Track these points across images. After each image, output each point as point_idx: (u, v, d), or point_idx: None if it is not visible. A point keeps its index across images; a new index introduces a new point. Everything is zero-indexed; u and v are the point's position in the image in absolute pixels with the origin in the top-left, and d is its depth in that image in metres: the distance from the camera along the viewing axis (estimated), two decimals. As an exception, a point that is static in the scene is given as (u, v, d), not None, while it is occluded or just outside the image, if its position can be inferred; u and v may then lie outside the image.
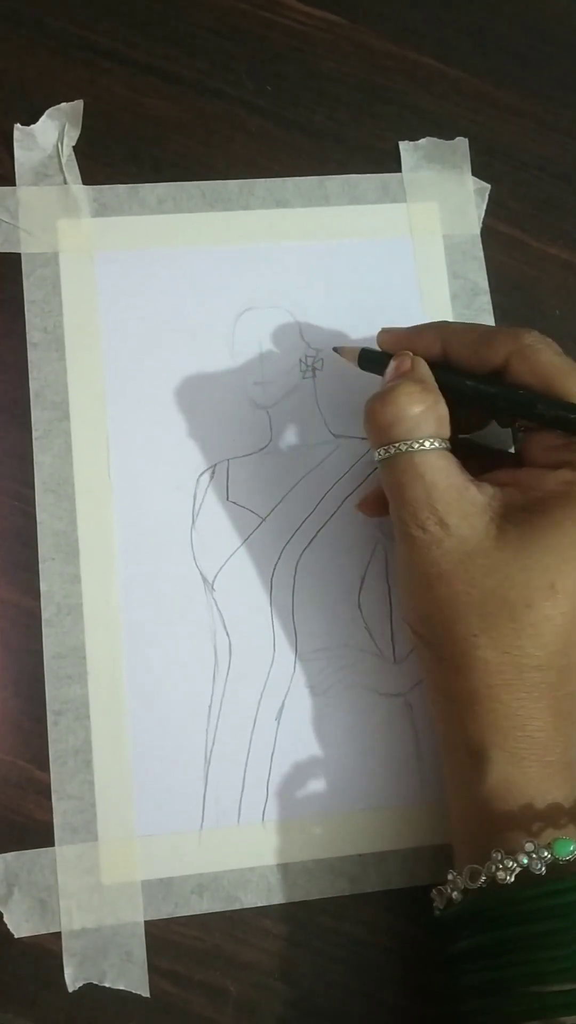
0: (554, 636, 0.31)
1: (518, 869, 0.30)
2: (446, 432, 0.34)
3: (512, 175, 0.45)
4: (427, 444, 0.33)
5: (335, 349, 0.39)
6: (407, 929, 0.36)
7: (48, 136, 0.42)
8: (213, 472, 0.39)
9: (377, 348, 0.37)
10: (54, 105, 0.42)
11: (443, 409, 0.34)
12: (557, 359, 0.34)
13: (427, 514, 0.32)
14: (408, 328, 0.37)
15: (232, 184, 0.42)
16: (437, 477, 0.33)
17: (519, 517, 0.32)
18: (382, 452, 0.33)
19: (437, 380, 0.34)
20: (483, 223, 0.44)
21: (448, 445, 0.33)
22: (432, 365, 0.35)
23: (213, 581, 0.38)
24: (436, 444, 0.33)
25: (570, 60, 0.47)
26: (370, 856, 0.37)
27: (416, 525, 0.32)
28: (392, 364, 0.35)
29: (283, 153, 0.43)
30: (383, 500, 0.36)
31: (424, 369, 0.35)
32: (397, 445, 0.33)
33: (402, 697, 0.38)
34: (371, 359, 0.37)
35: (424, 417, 0.33)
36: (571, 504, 0.32)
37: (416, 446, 0.33)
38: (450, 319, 0.42)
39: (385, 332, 0.37)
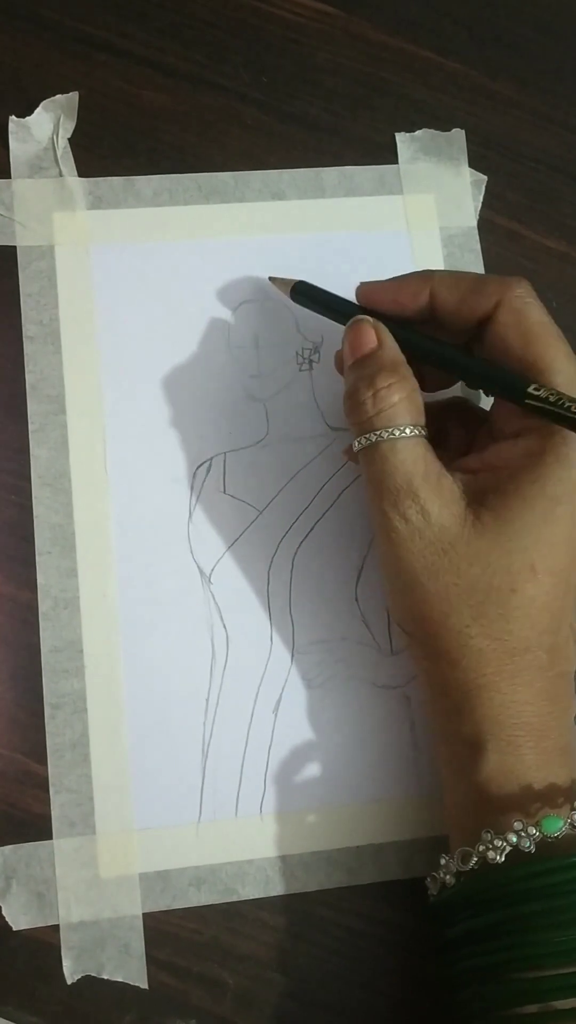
0: (541, 616, 0.32)
1: (508, 848, 0.30)
2: (423, 419, 0.33)
3: (509, 167, 0.44)
4: (407, 432, 0.33)
5: (270, 278, 0.39)
6: (404, 920, 0.36)
7: (43, 128, 0.41)
8: (210, 465, 0.39)
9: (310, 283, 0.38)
10: (49, 97, 0.42)
11: (419, 396, 0.34)
12: (542, 318, 0.33)
13: (409, 502, 0.32)
14: (390, 280, 0.36)
15: (228, 176, 0.42)
16: (418, 465, 0.33)
17: (492, 501, 0.32)
18: (363, 441, 0.33)
19: (413, 346, 0.34)
20: (480, 215, 0.43)
21: (425, 432, 0.33)
22: (401, 327, 0.34)
23: (210, 574, 0.38)
24: (414, 432, 0.33)
25: (567, 52, 0.46)
26: (367, 848, 0.37)
27: (399, 515, 0.32)
28: (349, 335, 0.34)
29: (279, 145, 0.43)
30: None
31: (393, 347, 0.34)
32: (378, 433, 0.33)
33: (399, 689, 0.38)
34: (306, 294, 0.38)
35: (403, 405, 0.33)
36: (540, 478, 0.32)
37: (397, 433, 0.33)
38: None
39: (366, 286, 0.36)
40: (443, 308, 0.35)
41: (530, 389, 0.32)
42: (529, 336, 0.33)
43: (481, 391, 0.38)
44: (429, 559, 0.32)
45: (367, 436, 0.33)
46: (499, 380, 0.33)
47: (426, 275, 0.35)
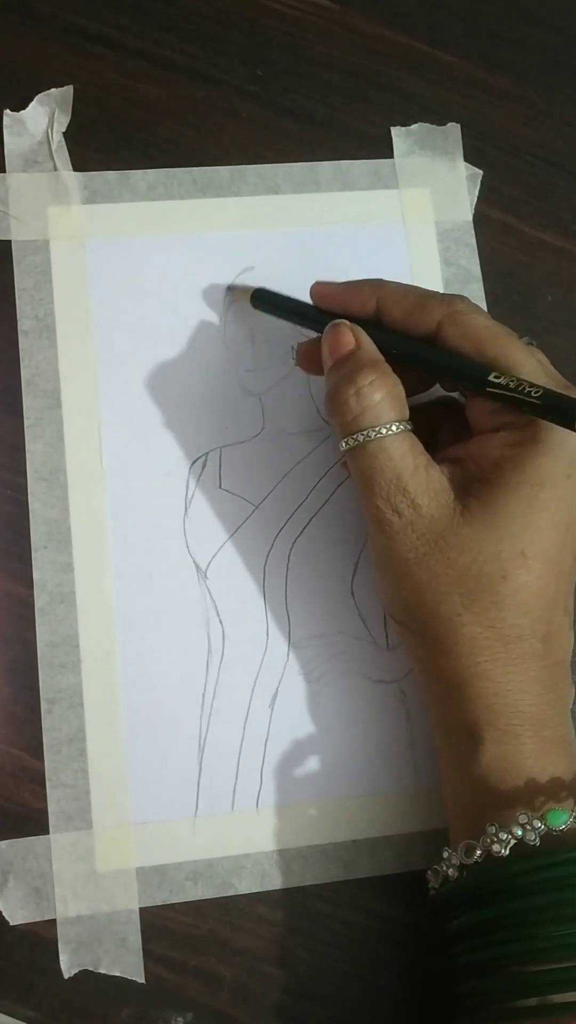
0: (533, 602, 0.32)
1: (512, 841, 0.30)
2: (406, 413, 0.34)
3: (505, 161, 0.44)
4: (393, 428, 0.33)
5: (228, 288, 0.40)
6: (401, 914, 0.36)
7: (38, 122, 0.41)
8: (205, 460, 0.39)
9: (268, 289, 0.38)
10: (44, 91, 0.42)
11: (401, 391, 0.34)
12: (489, 322, 0.34)
13: (400, 497, 0.32)
14: (343, 284, 0.36)
15: (223, 170, 0.42)
16: (405, 460, 0.33)
17: (479, 490, 0.32)
18: (350, 441, 0.33)
19: (383, 344, 0.34)
20: (475, 209, 0.43)
21: (410, 426, 0.34)
22: (372, 327, 0.35)
23: (206, 569, 0.38)
24: (400, 428, 0.33)
25: (563, 45, 0.46)
26: (364, 842, 0.37)
27: (391, 510, 0.33)
28: (328, 338, 0.35)
29: (274, 139, 0.43)
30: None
31: (371, 347, 0.34)
32: (365, 433, 0.33)
33: (395, 684, 0.38)
34: (267, 300, 0.38)
35: (387, 402, 0.33)
36: (521, 466, 0.32)
37: (384, 431, 0.33)
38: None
39: (320, 285, 0.37)
40: (390, 318, 0.35)
41: (490, 377, 0.32)
42: (479, 341, 0.33)
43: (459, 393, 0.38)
44: (421, 550, 0.32)
45: (354, 436, 0.33)
46: (461, 370, 0.34)
47: (377, 284, 0.36)
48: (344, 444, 0.34)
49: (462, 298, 0.35)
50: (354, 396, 0.33)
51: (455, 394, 0.37)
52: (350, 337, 0.34)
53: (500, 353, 0.33)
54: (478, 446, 0.34)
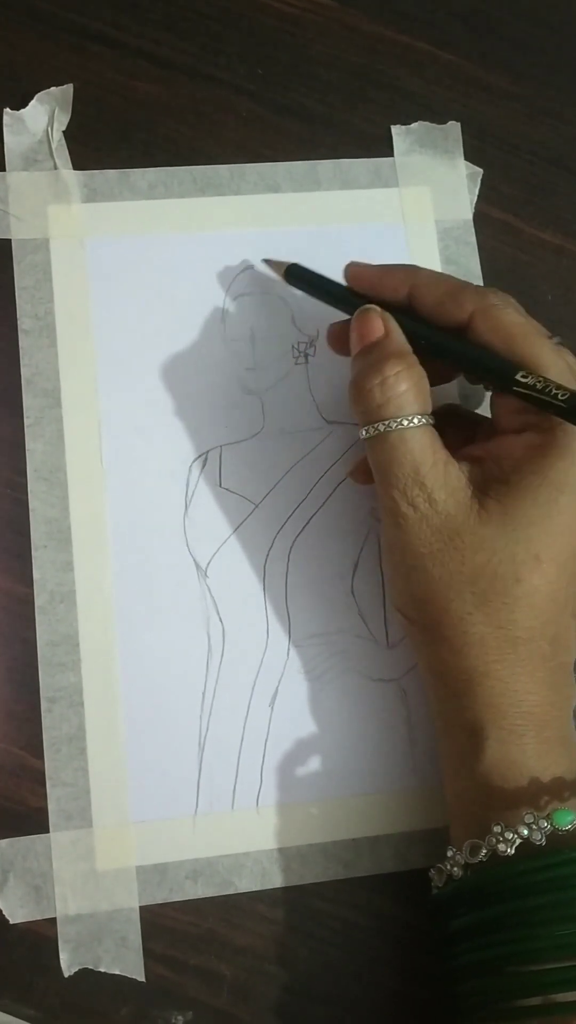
0: (545, 606, 0.32)
1: (519, 841, 0.30)
2: (429, 407, 0.34)
3: (505, 160, 0.44)
4: (415, 421, 0.33)
5: (264, 260, 0.40)
6: (401, 912, 0.36)
7: (38, 121, 0.41)
8: (206, 459, 0.39)
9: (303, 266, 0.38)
10: (44, 89, 0.42)
11: (426, 383, 0.34)
12: (521, 319, 0.34)
13: (416, 491, 0.32)
14: (378, 267, 0.36)
15: (223, 169, 0.42)
16: (425, 454, 0.33)
17: (497, 490, 0.32)
18: (370, 430, 0.33)
19: (411, 333, 0.34)
20: (476, 208, 0.43)
21: (432, 420, 0.33)
22: (403, 314, 0.35)
23: (206, 568, 0.38)
24: (423, 420, 0.33)
25: (563, 44, 0.46)
26: (364, 840, 0.37)
27: (407, 503, 0.32)
28: (357, 323, 0.35)
29: (274, 137, 0.43)
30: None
31: (400, 336, 0.34)
32: (386, 423, 0.33)
33: (395, 682, 0.38)
34: (300, 276, 0.38)
35: (411, 394, 0.33)
36: (541, 470, 0.32)
37: (405, 423, 0.33)
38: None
39: (355, 266, 0.37)
40: (421, 306, 0.35)
41: (518, 376, 0.32)
42: (509, 338, 0.33)
43: (482, 387, 0.38)
44: (435, 546, 0.32)
45: (375, 426, 0.33)
46: (490, 366, 0.33)
47: (412, 270, 0.36)
48: (364, 432, 0.34)
49: (496, 292, 0.34)
50: (379, 385, 0.33)
51: (482, 388, 0.37)
52: (379, 324, 0.34)
53: (530, 352, 0.33)
54: (500, 446, 0.34)
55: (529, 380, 0.32)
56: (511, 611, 0.31)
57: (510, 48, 0.46)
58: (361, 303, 0.35)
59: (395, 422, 0.33)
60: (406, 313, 0.35)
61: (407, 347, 0.34)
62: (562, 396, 0.31)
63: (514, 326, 0.33)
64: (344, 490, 0.39)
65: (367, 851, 0.37)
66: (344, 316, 0.37)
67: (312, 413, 0.40)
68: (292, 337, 0.41)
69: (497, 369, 0.33)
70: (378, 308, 0.35)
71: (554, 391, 0.31)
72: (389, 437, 0.33)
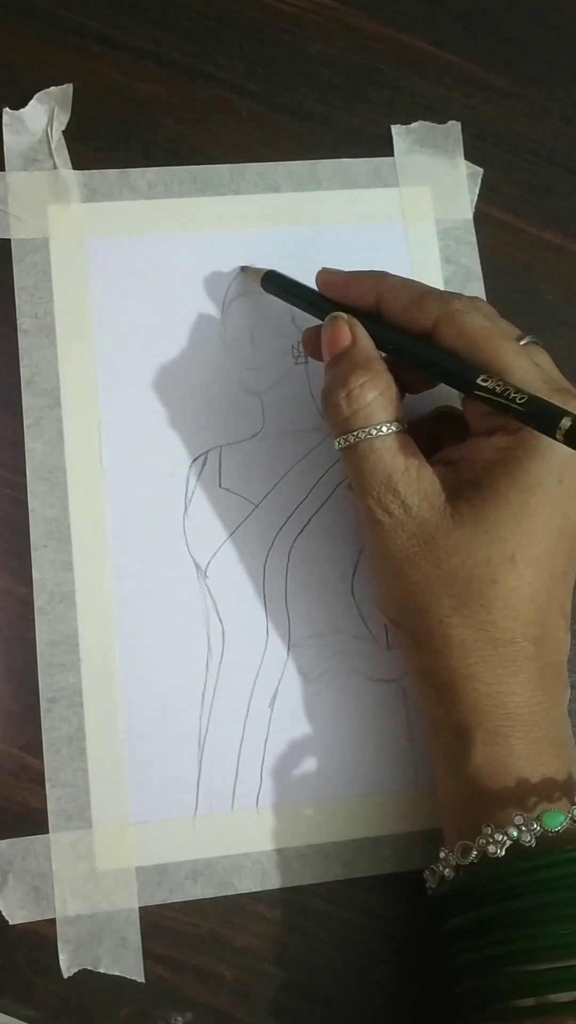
0: (523, 607, 0.32)
1: (508, 842, 0.30)
2: (401, 413, 0.34)
3: (505, 159, 0.44)
4: (384, 429, 0.33)
5: (242, 268, 0.40)
6: (401, 913, 0.36)
7: (37, 120, 0.41)
8: (205, 459, 0.39)
9: (279, 272, 0.39)
10: (43, 89, 0.41)
11: (395, 391, 0.34)
12: (484, 323, 0.33)
13: (390, 498, 0.33)
14: (347, 273, 0.37)
15: (223, 169, 0.42)
16: (396, 461, 0.33)
17: (469, 493, 0.32)
18: (342, 441, 0.34)
19: (378, 338, 0.34)
20: (476, 208, 0.43)
21: (404, 426, 0.34)
22: (371, 320, 0.35)
23: (206, 568, 0.38)
24: (393, 428, 0.33)
25: (563, 43, 0.46)
26: (364, 841, 0.37)
27: (382, 510, 0.33)
28: (327, 331, 0.35)
29: (274, 137, 0.43)
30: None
31: (366, 344, 0.34)
32: (355, 433, 0.33)
33: (395, 683, 0.38)
34: (277, 283, 0.39)
35: (378, 403, 0.33)
36: (510, 472, 0.32)
37: (375, 432, 0.33)
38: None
39: (325, 272, 0.37)
40: (389, 313, 0.35)
41: (479, 380, 0.32)
42: (473, 341, 0.33)
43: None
44: (411, 550, 0.32)
45: (345, 437, 0.33)
46: (452, 370, 0.33)
47: (379, 277, 0.36)
48: (337, 444, 0.34)
49: (460, 296, 0.34)
50: (345, 398, 0.33)
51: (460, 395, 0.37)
52: (346, 332, 0.34)
53: (493, 355, 0.33)
54: (471, 449, 0.34)
55: (489, 384, 0.32)
56: (489, 613, 0.32)
57: (511, 48, 0.46)
58: (333, 310, 0.35)
59: (364, 432, 0.33)
60: (375, 320, 0.35)
61: (374, 354, 0.34)
62: (520, 399, 0.31)
63: (477, 330, 0.33)
64: (344, 490, 0.39)
65: (367, 851, 0.37)
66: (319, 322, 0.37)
67: (312, 413, 0.40)
68: (292, 337, 0.41)
69: (459, 373, 0.33)
70: (345, 316, 0.35)
71: (512, 394, 0.31)
72: (359, 447, 0.33)
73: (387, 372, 0.34)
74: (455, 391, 0.34)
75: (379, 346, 0.35)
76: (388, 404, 0.33)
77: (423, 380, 0.37)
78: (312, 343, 0.37)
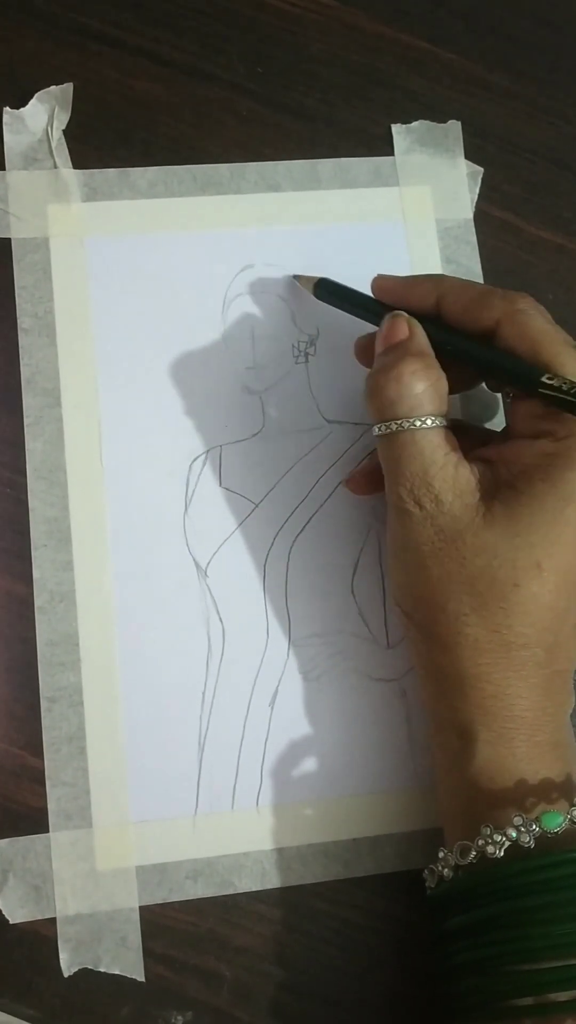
0: (542, 614, 0.32)
1: (507, 843, 0.30)
2: (445, 408, 0.34)
3: (505, 159, 0.44)
4: (428, 422, 0.33)
5: (294, 277, 0.40)
6: (401, 913, 0.36)
7: (37, 120, 0.41)
8: (206, 458, 0.39)
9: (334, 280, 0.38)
10: (43, 88, 0.41)
11: (444, 385, 0.34)
12: (547, 326, 0.34)
13: (424, 491, 0.32)
14: (404, 278, 0.37)
15: (223, 168, 0.42)
16: (436, 455, 0.33)
17: (505, 494, 0.32)
18: (383, 428, 0.33)
19: (436, 339, 0.34)
20: (476, 207, 0.43)
21: (447, 422, 0.34)
22: (429, 322, 0.35)
23: (206, 567, 0.38)
24: (436, 422, 0.33)
25: (564, 43, 0.46)
26: (364, 840, 0.37)
27: (413, 501, 0.33)
28: (384, 327, 0.35)
29: (274, 136, 0.43)
30: (371, 480, 0.36)
31: (423, 339, 0.34)
32: (399, 422, 0.33)
33: (396, 682, 0.38)
34: (329, 290, 0.38)
35: (427, 395, 0.33)
36: (551, 478, 0.32)
37: (418, 423, 0.33)
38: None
39: (381, 279, 0.37)
40: (449, 313, 0.35)
41: (543, 378, 0.32)
42: (535, 343, 0.33)
43: (501, 396, 0.39)
44: (436, 545, 0.32)
45: (387, 424, 0.33)
46: (514, 369, 0.34)
47: (437, 280, 0.36)
48: (377, 430, 0.34)
49: (524, 296, 0.34)
50: (394, 382, 0.33)
51: (497, 400, 0.38)
52: (405, 328, 0.34)
53: (554, 359, 0.33)
54: (512, 450, 0.34)
55: (555, 382, 0.32)
56: (507, 616, 0.31)
57: (511, 47, 0.46)
58: (390, 312, 0.35)
59: (408, 421, 0.33)
60: (432, 322, 0.35)
61: (428, 349, 0.34)
62: None
63: (540, 332, 0.33)
64: (344, 489, 0.39)
65: (367, 851, 0.37)
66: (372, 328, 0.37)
67: (312, 413, 0.40)
68: (292, 336, 0.40)
69: (523, 372, 0.33)
70: (405, 314, 0.35)
71: None
72: (400, 436, 0.33)
73: (439, 368, 0.34)
74: (455, 401, 0.34)
75: (435, 348, 0.34)
76: (436, 397, 0.33)
77: (463, 381, 0.37)
78: (365, 351, 0.37)
